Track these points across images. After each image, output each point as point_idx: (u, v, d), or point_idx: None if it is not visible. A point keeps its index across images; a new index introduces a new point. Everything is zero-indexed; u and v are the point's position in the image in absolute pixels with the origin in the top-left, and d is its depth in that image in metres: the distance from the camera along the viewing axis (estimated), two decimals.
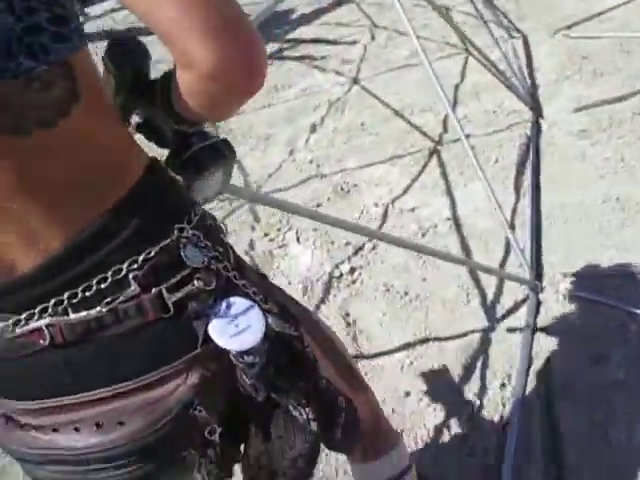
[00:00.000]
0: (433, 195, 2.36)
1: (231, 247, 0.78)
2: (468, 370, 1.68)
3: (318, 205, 2.50)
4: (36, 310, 0.60)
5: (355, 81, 3.35)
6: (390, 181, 2.52)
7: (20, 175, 0.56)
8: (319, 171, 2.72)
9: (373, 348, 1.83)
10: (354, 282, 2.07)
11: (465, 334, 1.78)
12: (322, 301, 2.02)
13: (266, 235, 2.40)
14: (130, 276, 0.61)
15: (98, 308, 0.61)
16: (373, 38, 3.73)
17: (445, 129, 2.72)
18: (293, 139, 3.06)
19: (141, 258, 0.62)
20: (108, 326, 0.62)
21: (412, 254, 2.11)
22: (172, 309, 0.63)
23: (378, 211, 2.35)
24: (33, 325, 0.60)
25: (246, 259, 2.31)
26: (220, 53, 0.54)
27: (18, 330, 0.61)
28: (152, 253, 0.63)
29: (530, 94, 2.80)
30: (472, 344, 1.74)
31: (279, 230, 2.41)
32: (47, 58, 0.54)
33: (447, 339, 1.78)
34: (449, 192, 2.35)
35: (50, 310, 0.60)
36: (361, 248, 2.20)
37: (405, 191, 2.43)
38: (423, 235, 2.17)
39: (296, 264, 2.22)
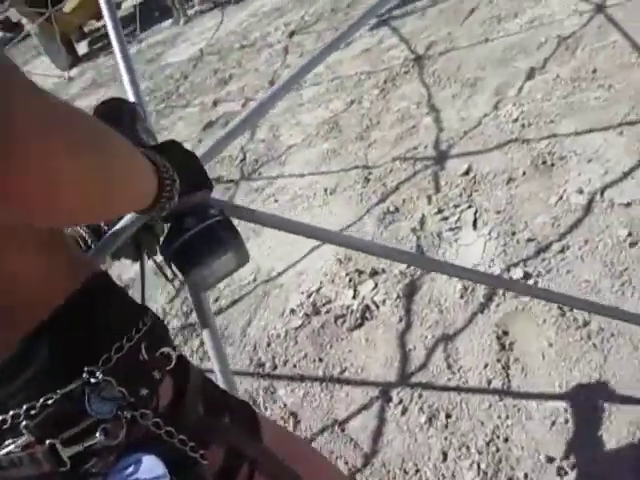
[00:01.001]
0: None
1: (181, 376, 0.65)
2: None
3: (509, 180, 2.10)
4: None
5: (600, 8, 2.64)
6: (609, 158, 1.97)
7: None
8: (522, 134, 2.27)
9: (525, 385, 1.52)
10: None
11: None
12: (480, 309, 1.73)
13: (440, 212, 2.12)
14: (22, 424, 0.56)
15: None
16: None
17: None
18: (503, 87, 2.58)
19: (39, 404, 0.56)
20: (5, 468, 0.58)
21: (611, 269, 1.65)
22: (68, 464, 0.57)
23: (580, 201, 1.87)
24: None
25: (412, 239, 2.11)
26: None
27: None
28: (51, 400, 0.56)
29: None
30: None
31: (456, 207, 2.11)
32: None
33: (625, 401, 1.38)
34: None
35: None
36: (545, 249, 1.80)
37: (626, 175, 1.88)
38: (632, 245, 1.67)
39: (464, 255, 1.92)
